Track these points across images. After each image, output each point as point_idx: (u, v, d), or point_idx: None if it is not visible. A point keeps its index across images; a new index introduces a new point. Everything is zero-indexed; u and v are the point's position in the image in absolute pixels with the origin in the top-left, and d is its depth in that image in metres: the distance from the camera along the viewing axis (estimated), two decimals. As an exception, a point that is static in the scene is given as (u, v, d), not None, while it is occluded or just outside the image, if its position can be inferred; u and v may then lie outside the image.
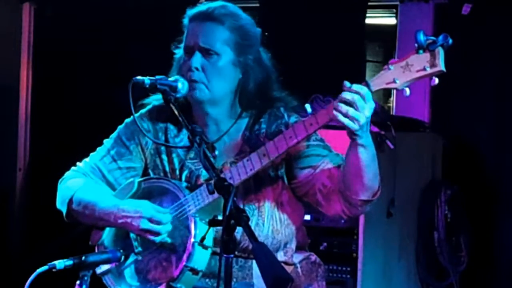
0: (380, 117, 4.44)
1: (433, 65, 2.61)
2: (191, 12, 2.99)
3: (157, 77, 2.85)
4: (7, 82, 5.92)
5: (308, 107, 2.73)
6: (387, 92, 5.75)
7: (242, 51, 2.95)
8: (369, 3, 5.33)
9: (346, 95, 2.63)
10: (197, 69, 2.90)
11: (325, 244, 4.36)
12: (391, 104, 5.44)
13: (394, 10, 5.44)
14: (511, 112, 5.00)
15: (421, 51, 2.61)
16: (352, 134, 2.68)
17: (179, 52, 3.02)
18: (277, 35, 5.45)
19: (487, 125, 5.07)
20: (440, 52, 2.60)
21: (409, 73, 2.63)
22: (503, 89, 5.03)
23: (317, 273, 3.10)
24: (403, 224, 4.58)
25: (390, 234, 4.49)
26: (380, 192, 2.84)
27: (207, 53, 2.91)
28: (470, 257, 4.81)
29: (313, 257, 3.12)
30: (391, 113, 5.28)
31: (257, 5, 5.54)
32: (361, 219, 4.28)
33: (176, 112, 2.78)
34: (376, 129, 4.30)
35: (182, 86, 2.85)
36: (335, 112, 2.64)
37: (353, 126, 2.64)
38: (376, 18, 5.66)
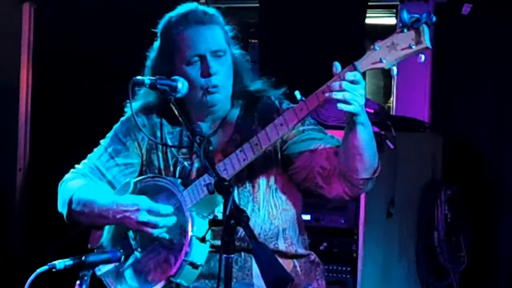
0: (380, 117, 4.44)
1: (418, 42, 2.61)
2: (173, 18, 3.02)
3: (157, 76, 2.88)
4: (7, 82, 5.92)
5: (297, 93, 2.74)
6: (387, 92, 5.76)
7: (232, 44, 3.04)
8: (369, 3, 5.33)
9: (336, 85, 2.65)
10: (215, 73, 2.93)
11: (325, 244, 4.36)
12: (391, 104, 5.44)
13: (394, 10, 5.44)
14: (511, 112, 5.00)
15: (405, 30, 2.62)
16: (352, 115, 2.70)
17: (153, 61, 3.04)
18: (277, 35, 5.46)
19: (487, 125, 5.07)
20: (425, 30, 2.61)
21: (395, 52, 2.63)
22: (503, 89, 5.03)
23: (316, 272, 3.11)
24: (403, 224, 4.58)
25: (390, 234, 4.49)
26: (380, 169, 2.86)
27: (217, 55, 2.96)
28: (470, 257, 4.81)
29: (313, 256, 3.13)
30: (391, 113, 5.28)
31: (257, 5, 5.54)
32: (361, 219, 4.28)
33: (176, 112, 2.82)
34: (376, 129, 4.30)
35: (182, 86, 2.89)
36: (338, 105, 2.65)
37: (353, 108, 2.66)
38: (376, 18, 5.66)
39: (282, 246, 3.01)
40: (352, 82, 2.65)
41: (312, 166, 2.92)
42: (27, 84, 5.98)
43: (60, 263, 2.68)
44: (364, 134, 2.75)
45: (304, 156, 2.93)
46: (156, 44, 3.07)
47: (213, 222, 2.61)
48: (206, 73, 2.93)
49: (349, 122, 2.74)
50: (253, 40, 5.61)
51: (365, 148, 2.76)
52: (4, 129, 5.93)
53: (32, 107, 5.99)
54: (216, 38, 2.97)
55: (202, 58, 2.94)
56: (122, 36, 5.54)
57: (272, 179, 2.99)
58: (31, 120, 6.00)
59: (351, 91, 2.64)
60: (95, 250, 3.04)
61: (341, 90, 2.64)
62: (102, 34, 5.67)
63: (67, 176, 3.14)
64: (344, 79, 2.65)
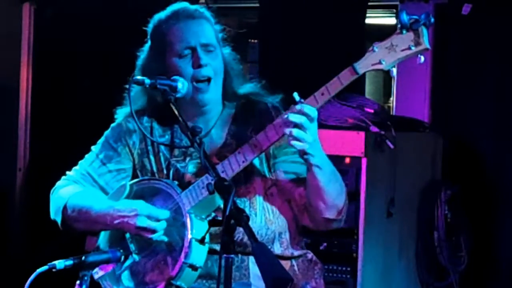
0: (380, 117, 4.44)
1: (417, 43, 2.62)
2: (163, 16, 3.05)
3: (157, 76, 2.88)
4: (7, 82, 5.92)
5: (296, 95, 2.74)
6: (387, 92, 5.75)
7: (222, 44, 3.05)
8: (369, 3, 5.33)
9: (292, 117, 2.67)
10: (205, 65, 2.93)
11: (325, 244, 4.36)
12: (391, 104, 5.44)
13: (394, 10, 5.44)
14: (511, 112, 5.00)
15: (404, 31, 2.63)
16: (303, 154, 2.71)
17: (144, 60, 3.05)
18: (277, 35, 5.45)
19: (487, 125, 5.07)
20: (424, 31, 2.63)
21: (394, 54, 2.65)
22: (503, 89, 5.02)
23: (313, 271, 3.11)
24: (403, 224, 4.57)
25: (390, 234, 4.48)
26: (346, 210, 2.87)
27: (207, 49, 2.97)
28: (470, 257, 4.81)
29: (310, 255, 3.13)
30: (391, 113, 5.28)
31: (257, 5, 5.54)
32: (361, 219, 4.27)
33: (176, 113, 2.81)
34: (376, 129, 4.30)
35: (182, 86, 2.89)
36: (288, 140, 2.67)
37: (301, 145, 2.68)
38: (376, 18, 5.66)
39: (278, 250, 3.01)
40: (303, 114, 2.67)
41: (293, 191, 2.95)
42: (27, 84, 5.97)
43: (60, 263, 2.68)
44: (321, 176, 2.76)
45: (289, 177, 2.95)
46: (147, 44, 3.09)
47: (213, 223, 2.61)
48: (196, 64, 2.94)
49: (307, 163, 2.76)
50: (253, 40, 5.61)
51: (324, 189, 2.78)
52: (4, 129, 5.93)
53: (32, 107, 5.99)
54: (206, 32, 2.99)
55: (193, 50, 2.95)
56: (122, 36, 5.53)
57: (268, 185, 3.00)
58: (31, 120, 5.99)
59: (302, 128, 2.65)
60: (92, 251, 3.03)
61: (293, 125, 2.66)
62: (102, 34, 5.66)
63: (59, 183, 3.14)
64: (299, 112, 2.66)
